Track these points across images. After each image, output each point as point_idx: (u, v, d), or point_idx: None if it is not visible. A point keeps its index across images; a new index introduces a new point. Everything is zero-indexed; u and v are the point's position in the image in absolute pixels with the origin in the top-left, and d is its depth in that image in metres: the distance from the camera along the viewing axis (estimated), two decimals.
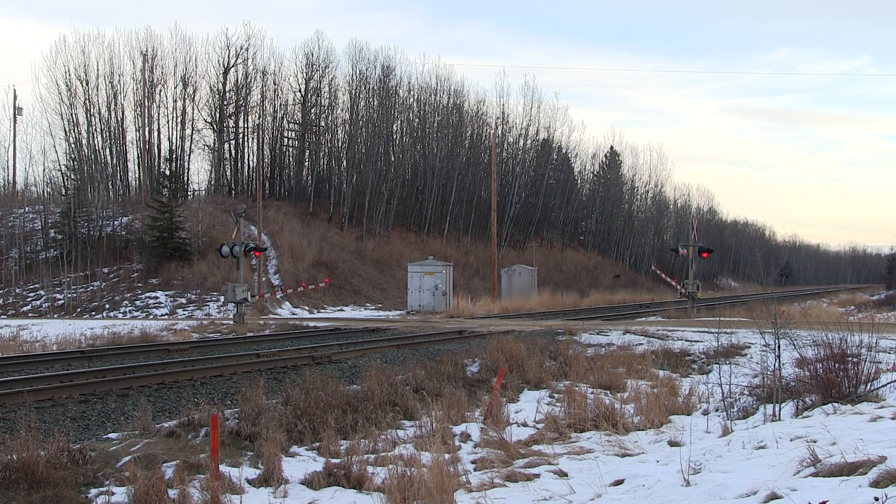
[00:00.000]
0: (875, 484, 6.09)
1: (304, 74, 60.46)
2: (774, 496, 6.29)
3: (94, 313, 39.36)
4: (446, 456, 8.90)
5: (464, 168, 65.19)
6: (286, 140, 62.16)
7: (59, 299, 41.38)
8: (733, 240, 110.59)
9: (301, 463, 9.58)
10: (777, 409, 10.73)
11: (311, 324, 29.79)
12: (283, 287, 41.60)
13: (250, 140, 60.78)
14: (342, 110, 62.78)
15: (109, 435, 10.45)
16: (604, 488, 8.04)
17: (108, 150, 57.64)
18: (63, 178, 56.97)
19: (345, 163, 60.10)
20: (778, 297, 20.08)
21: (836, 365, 11.15)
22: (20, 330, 27.90)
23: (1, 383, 13.41)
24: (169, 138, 58.62)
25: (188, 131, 58.77)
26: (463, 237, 63.71)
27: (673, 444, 10.30)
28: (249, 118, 60.64)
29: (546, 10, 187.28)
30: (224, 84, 58.34)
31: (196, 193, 57.51)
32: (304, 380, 13.00)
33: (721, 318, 26.45)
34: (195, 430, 10.30)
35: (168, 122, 58.39)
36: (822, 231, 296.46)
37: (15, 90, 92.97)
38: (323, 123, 62.33)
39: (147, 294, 41.67)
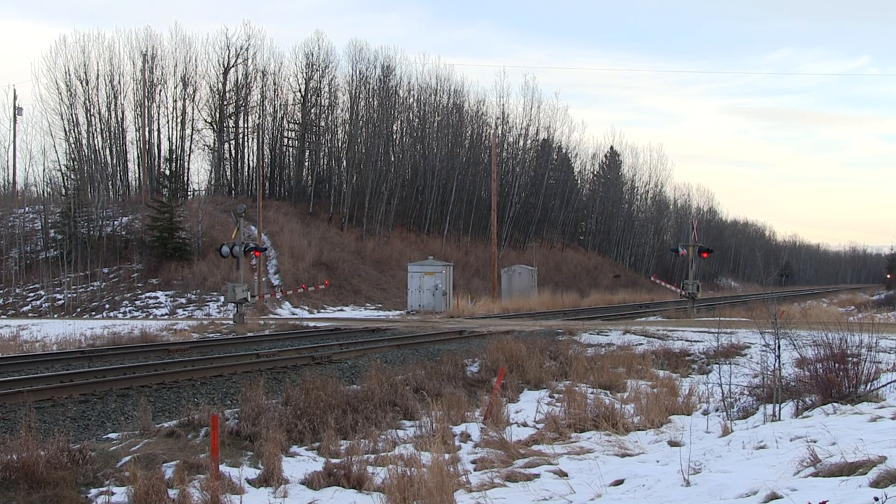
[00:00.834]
0: (875, 484, 6.09)
1: (304, 74, 60.56)
2: (774, 496, 6.29)
3: (94, 313, 39.36)
4: (446, 456, 8.90)
5: (464, 168, 65.19)
6: (286, 140, 62.18)
7: (59, 299, 41.38)
8: (733, 240, 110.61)
9: (301, 463, 9.57)
10: (777, 409, 10.73)
11: (311, 324, 29.79)
12: (283, 289, 41.61)
13: (250, 140, 60.86)
14: (342, 110, 62.88)
15: (109, 435, 10.45)
16: (604, 488, 8.04)
17: (108, 150, 57.67)
18: (63, 178, 57.00)
19: (345, 163, 60.09)
20: (778, 297, 20.08)
21: (836, 365, 11.14)
22: (20, 330, 27.90)
23: (1, 383, 13.41)
24: (169, 138, 58.74)
25: (188, 131, 58.86)
26: (463, 237, 63.71)
27: (673, 444, 10.30)
28: (249, 118, 60.73)
29: (546, 10, 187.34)
30: (224, 84, 58.37)
31: (196, 193, 57.53)
32: (304, 380, 12.99)
33: (721, 318, 26.46)
34: (195, 430, 10.30)
35: (168, 122, 58.50)
36: (822, 231, 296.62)
37: (15, 90, 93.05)
38: (323, 123, 62.35)
39: (147, 294, 41.67)
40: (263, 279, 42.95)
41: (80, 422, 11.31)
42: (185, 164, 59.09)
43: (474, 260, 60.41)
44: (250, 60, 58.92)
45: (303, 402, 11.56)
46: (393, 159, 63.20)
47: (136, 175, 58.05)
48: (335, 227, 56.19)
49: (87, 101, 56.35)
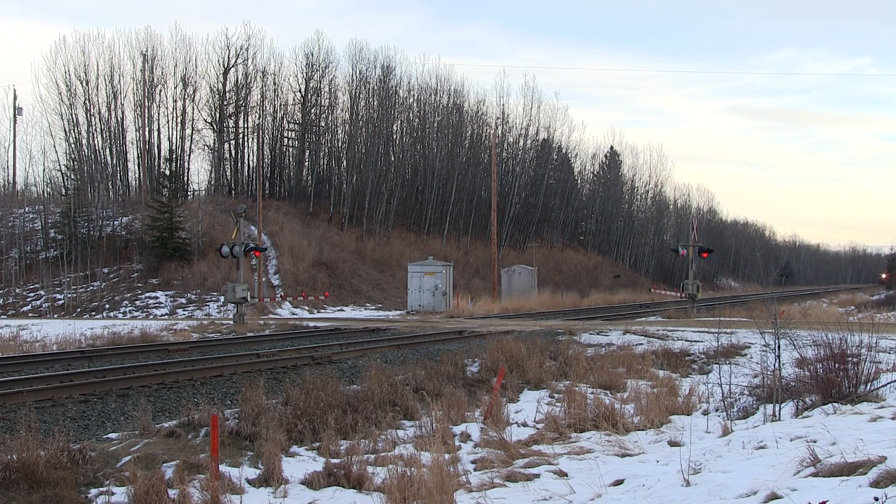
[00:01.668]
0: (875, 484, 6.09)
1: (304, 74, 60.55)
2: (774, 496, 6.29)
3: (94, 313, 39.35)
4: (446, 456, 8.90)
5: (464, 168, 65.18)
6: (286, 140, 62.17)
7: (59, 299, 41.37)
8: (733, 240, 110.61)
9: (301, 463, 9.57)
10: (777, 409, 10.73)
11: (311, 324, 29.78)
12: (283, 294, 41.64)
13: (250, 140, 60.87)
14: (342, 110, 62.88)
15: (109, 435, 10.44)
16: (604, 488, 8.04)
17: (108, 150, 57.68)
18: (63, 178, 57.00)
19: (345, 163, 60.09)
20: (778, 297, 20.06)
21: (836, 365, 11.14)
22: (20, 330, 27.90)
23: (1, 383, 13.41)
24: (169, 138, 58.74)
25: (188, 131, 58.87)
26: (463, 237, 63.69)
27: (673, 444, 10.29)
28: (249, 118, 60.73)
29: (547, 10, 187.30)
30: (224, 84, 58.37)
31: (196, 193, 57.53)
32: (304, 380, 12.99)
33: (721, 318, 26.45)
34: (195, 430, 10.30)
35: (168, 122, 58.50)
36: (822, 231, 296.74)
37: (15, 90, 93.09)
38: (323, 123, 62.34)
39: (147, 294, 41.66)
40: (263, 279, 42.94)
41: (80, 422, 11.31)
42: (185, 164, 59.14)
43: (474, 260, 60.40)
44: (250, 60, 59.01)
45: (303, 402, 11.56)
46: (393, 159, 63.19)
47: (136, 175, 58.12)
48: (335, 227, 56.18)
49: (87, 101, 56.41)
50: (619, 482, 8.30)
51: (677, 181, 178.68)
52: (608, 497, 7.76)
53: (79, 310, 39.98)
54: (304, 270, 45.76)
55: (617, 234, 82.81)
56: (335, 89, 62.05)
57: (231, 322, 29.91)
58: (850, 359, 11.20)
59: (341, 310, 42.49)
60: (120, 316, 38.30)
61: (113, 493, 8.09)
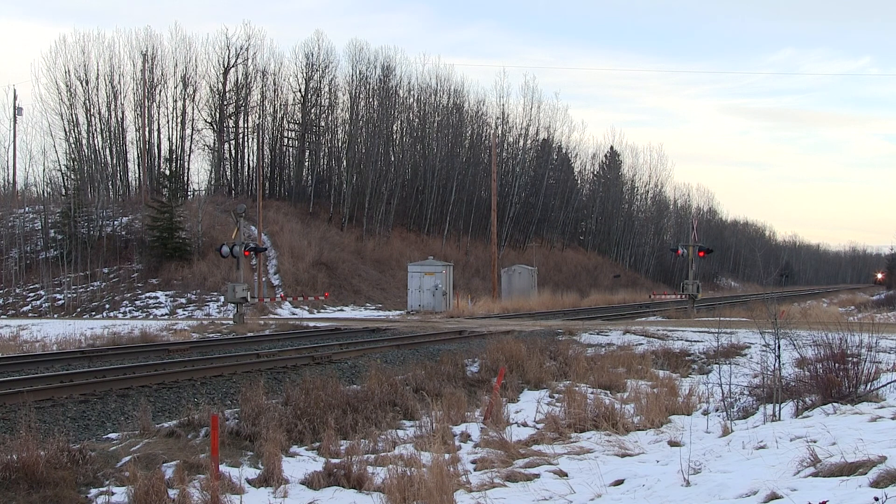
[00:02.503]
0: (875, 484, 6.09)
1: (304, 74, 60.54)
2: (774, 496, 6.29)
3: (94, 313, 39.35)
4: (446, 456, 8.90)
5: (464, 168, 65.18)
6: (286, 140, 62.16)
7: (59, 299, 41.37)
8: (733, 240, 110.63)
9: (301, 463, 9.57)
10: (777, 409, 10.73)
11: (311, 324, 29.78)
12: (283, 294, 41.62)
13: (250, 140, 60.86)
14: (342, 110, 62.86)
15: (109, 435, 10.44)
16: (604, 488, 8.04)
17: (108, 150, 57.66)
18: (63, 178, 56.96)
19: (345, 163, 60.07)
20: (778, 297, 20.08)
21: (836, 365, 11.14)
22: (20, 330, 27.90)
23: (1, 383, 13.41)
24: (169, 138, 58.72)
25: (188, 131, 58.85)
26: (463, 237, 63.69)
27: (673, 444, 10.29)
28: (249, 118, 60.72)
29: (547, 10, 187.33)
30: (224, 84, 58.35)
31: (196, 193, 57.50)
32: (304, 380, 12.99)
33: (721, 318, 26.47)
34: (195, 430, 10.30)
35: (168, 122, 58.49)
36: (822, 231, 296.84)
37: (15, 90, 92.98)
38: (323, 123, 62.34)
39: (147, 294, 41.66)
40: (263, 279, 42.94)
41: (80, 422, 11.31)
42: (185, 164, 59.12)
43: (474, 260, 60.40)
44: (250, 60, 59.00)
45: (303, 402, 11.56)
46: (393, 159, 63.18)
47: (136, 175, 58.07)
48: (335, 227, 56.18)
49: (87, 101, 56.39)
50: (619, 482, 8.30)
51: (677, 181, 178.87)
52: (608, 497, 7.76)
53: (79, 310, 39.98)
54: (304, 270, 45.75)
55: (617, 234, 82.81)
56: (335, 89, 62.14)
57: (231, 322, 29.91)
58: (850, 359, 11.20)
59: (341, 310, 42.49)
60: (120, 316, 38.30)
61: (113, 493, 8.09)
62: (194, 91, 58.37)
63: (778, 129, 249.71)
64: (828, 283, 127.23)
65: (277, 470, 8.89)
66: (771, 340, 11.90)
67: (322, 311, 41.32)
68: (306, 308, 41.16)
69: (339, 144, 62.53)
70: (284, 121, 61.54)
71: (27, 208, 51.22)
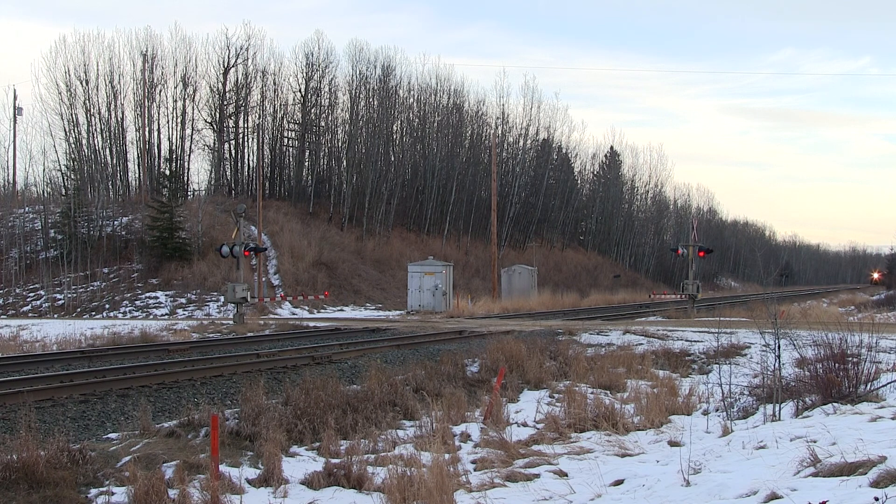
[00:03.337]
0: (875, 484, 6.09)
1: (304, 74, 60.52)
2: (774, 496, 6.29)
3: (94, 313, 39.35)
4: (446, 456, 8.90)
5: (464, 168, 65.18)
6: (286, 140, 62.15)
7: (59, 299, 41.37)
8: (733, 240, 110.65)
9: (301, 463, 9.57)
10: (777, 409, 10.73)
11: (311, 324, 29.78)
12: (283, 294, 41.62)
13: (250, 140, 60.85)
14: (342, 110, 62.83)
15: (109, 435, 10.44)
16: (604, 488, 8.04)
17: (108, 150, 57.64)
18: (63, 178, 56.95)
19: (345, 163, 60.07)
20: (778, 297, 20.07)
21: (836, 365, 11.14)
22: (20, 330, 27.90)
23: (1, 383, 13.41)
24: (169, 138, 58.71)
25: (188, 131, 58.83)
26: (463, 237, 63.69)
27: (673, 444, 10.29)
28: (249, 118, 60.71)
29: (548, 10, 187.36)
30: (224, 84, 58.33)
31: (196, 193, 57.51)
32: (304, 380, 12.99)
33: (721, 318, 26.47)
34: (195, 430, 10.29)
35: (168, 122, 58.47)
36: (822, 231, 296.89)
37: (15, 90, 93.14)
38: (323, 123, 62.32)
39: (147, 294, 41.66)
40: (263, 279, 42.95)
41: (80, 422, 11.31)
42: (185, 164, 59.11)
43: (474, 260, 60.40)
44: (250, 60, 58.97)
45: (303, 402, 11.55)
46: (393, 159, 63.18)
47: (136, 175, 58.08)
48: (335, 227, 56.18)
49: (87, 101, 56.37)
50: (619, 482, 8.30)
51: (677, 181, 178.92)
52: (608, 497, 7.76)
53: (79, 310, 39.97)
54: (304, 270, 45.75)
55: (617, 234, 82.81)
56: (335, 89, 62.12)
57: (231, 322, 29.91)
58: (850, 359, 11.20)
59: (341, 310, 42.49)
60: (120, 316, 38.30)
61: (113, 493, 8.09)
62: (194, 91, 58.44)
63: (778, 129, 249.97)
64: (828, 283, 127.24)
65: (277, 470, 8.89)
66: (771, 340, 11.90)
67: (322, 311, 41.32)
68: (306, 308, 41.15)
69: (339, 144, 62.54)
70: (284, 121, 61.57)
71: (27, 208, 51.22)
